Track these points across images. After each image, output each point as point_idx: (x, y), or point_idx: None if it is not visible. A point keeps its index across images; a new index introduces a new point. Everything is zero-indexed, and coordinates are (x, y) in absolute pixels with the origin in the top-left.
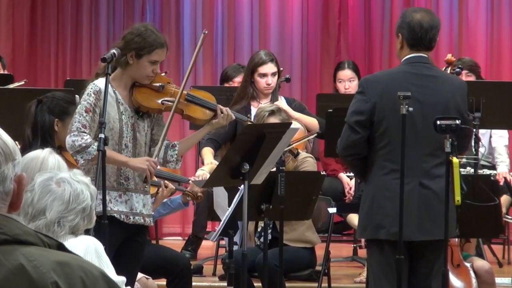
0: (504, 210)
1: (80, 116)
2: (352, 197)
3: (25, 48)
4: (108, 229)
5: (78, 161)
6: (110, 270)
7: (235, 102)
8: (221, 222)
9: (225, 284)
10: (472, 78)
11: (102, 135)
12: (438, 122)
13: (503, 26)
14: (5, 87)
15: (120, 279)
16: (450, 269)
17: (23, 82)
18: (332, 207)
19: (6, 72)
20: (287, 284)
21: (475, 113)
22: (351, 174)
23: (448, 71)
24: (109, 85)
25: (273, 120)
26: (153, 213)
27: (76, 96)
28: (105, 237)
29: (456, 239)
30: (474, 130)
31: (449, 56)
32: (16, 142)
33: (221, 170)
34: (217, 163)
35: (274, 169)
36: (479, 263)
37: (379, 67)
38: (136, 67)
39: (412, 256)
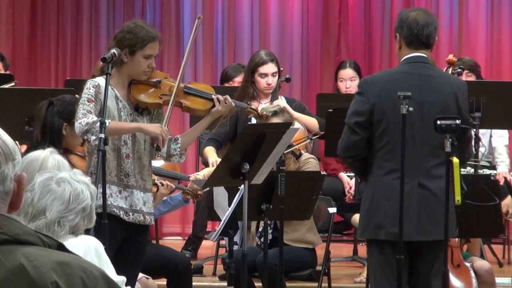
0: (510, 210)
1: (83, 105)
2: (354, 197)
3: (25, 48)
4: (108, 229)
5: (90, 139)
6: (110, 270)
7: None
8: (221, 222)
9: (225, 284)
10: (472, 78)
11: (102, 135)
12: (438, 122)
13: (503, 26)
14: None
15: (120, 279)
16: (450, 269)
17: (13, 84)
18: (332, 207)
19: (8, 72)
20: (287, 284)
21: (475, 113)
22: (352, 173)
23: (450, 72)
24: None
25: (276, 120)
26: (153, 211)
27: (76, 96)
28: (105, 237)
29: (456, 239)
30: (474, 130)
31: (450, 57)
32: (16, 142)
33: (221, 170)
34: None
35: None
36: (479, 263)
37: (379, 67)
38: (132, 64)
39: (412, 256)
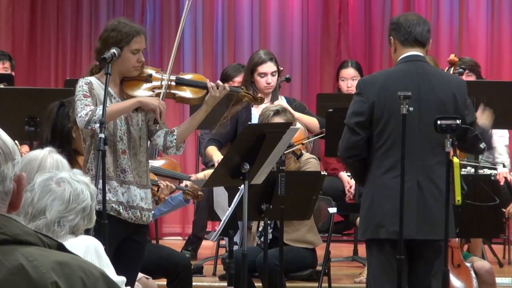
0: None
1: (80, 101)
2: (354, 198)
3: (25, 48)
4: (108, 229)
5: (94, 128)
6: (110, 270)
7: (236, 102)
8: (221, 222)
9: (225, 284)
10: (472, 78)
11: (102, 135)
12: (439, 122)
13: (503, 26)
14: None
15: (120, 279)
16: (451, 269)
17: (1, 86)
18: (332, 207)
19: (13, 73)
20: (287, 284)
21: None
22: None
23: (451, 72)
24: (99, 82)
25: (278, 120)
26: (153, 208)
27: None
28: (105, 237)
29: (457, 239)
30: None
31: (452, 57)
32: (16, 142)
33: (221, 170)
34: None
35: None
36: (480, 263)
37: (379, 67)
38: (121, 61)
39: (411, 255)
